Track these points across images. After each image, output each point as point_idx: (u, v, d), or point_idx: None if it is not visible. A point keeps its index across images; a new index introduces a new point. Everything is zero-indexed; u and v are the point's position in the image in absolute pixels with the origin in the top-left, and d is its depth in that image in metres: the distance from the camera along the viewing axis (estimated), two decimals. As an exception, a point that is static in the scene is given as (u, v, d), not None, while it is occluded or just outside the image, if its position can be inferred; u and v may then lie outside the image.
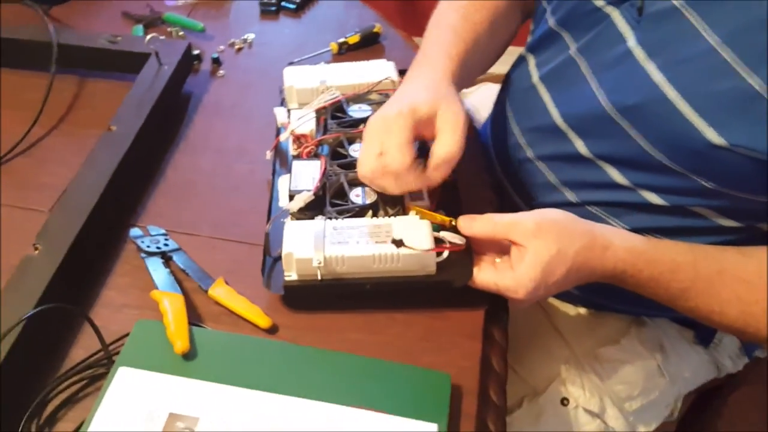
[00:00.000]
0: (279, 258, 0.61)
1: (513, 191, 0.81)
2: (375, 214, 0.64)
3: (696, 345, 0.82)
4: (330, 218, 0.62)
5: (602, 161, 0.68)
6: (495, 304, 0.65)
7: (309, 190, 0.63)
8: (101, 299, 0.62)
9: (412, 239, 0.59)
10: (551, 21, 0.73)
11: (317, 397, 0.53)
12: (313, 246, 0.59)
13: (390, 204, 0.64)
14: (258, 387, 0.53)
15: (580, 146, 0.69)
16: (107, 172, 0.66)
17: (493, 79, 1.05)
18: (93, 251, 0.64)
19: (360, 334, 0.60)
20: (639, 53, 0.60)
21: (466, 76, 0.71)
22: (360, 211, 0.64)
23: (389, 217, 0.62)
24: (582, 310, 0.82)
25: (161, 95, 0.76)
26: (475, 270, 0.60)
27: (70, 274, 0.59)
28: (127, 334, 0.56)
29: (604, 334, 0.80)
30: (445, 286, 0.60)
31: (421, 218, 0.62)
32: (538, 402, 0.77)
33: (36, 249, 0.59)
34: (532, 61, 0.77)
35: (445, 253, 0.60)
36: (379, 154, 0.59)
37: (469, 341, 0.61)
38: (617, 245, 0.61)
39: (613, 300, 0.79)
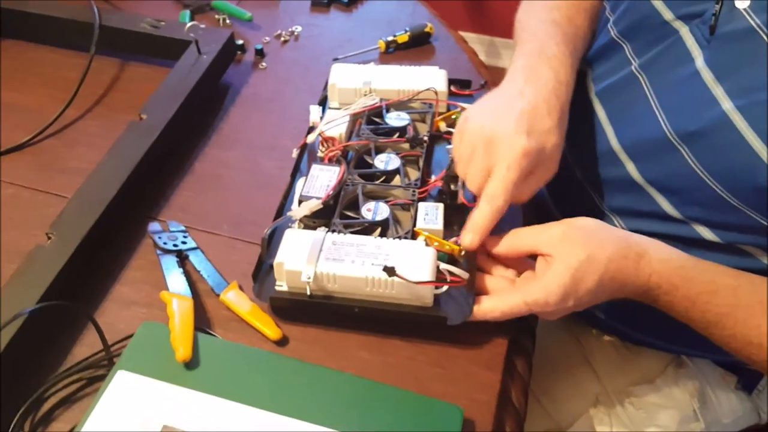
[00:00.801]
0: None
1: (556, 210, 0.77)
2: (384, 233, 0.60)
3: (738, 391, 0.76)
4: (334, 231, 0.59)
5: (653, 188, 0.63)
6: (520, 330, 0.61)
7: (318, 198, 0.60)
8: (111, 294, 0.60)
9: (410, 267, 0.55)
10: (613, 31, 0.68)
11: (318, 421, 0.50)
12: (306, 259, 0.56)
13: (401, 225, 0.61)
14: (258, 404, 0.51)
15: (632, 170, 0.64)
16: (130, 164, 0.65)
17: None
18: (108, 243, 0.62)
19: (370, 354, 0.57)
20: (707, 75, 0.55)
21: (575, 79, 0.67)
22: (368, 228, 0.61)
23: (397, 239, 0.59)
24: (617, 344, 0.77)
25: (196, 85, 0.74)
26: (499, 299, 0.56)
27: (81, 267, 0.58)
28: (131, 336, 0.54)
29: (639, 372, 0.75)
30: (439, 323, 0.56)
31: (428, 244, 0.58)
32: (562, 440, 0.73)
33: (49, 238, 0.58)
34: (590, 74, 0.72)
35: (445, 287, 0.56)
36: (486, 173, 0.57)
37: (487, 372, 0.57)
38: (652, 255, 0.56)
39: (650, 334, 0.74)
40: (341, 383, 0.53)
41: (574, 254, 0.54)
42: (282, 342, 0.57)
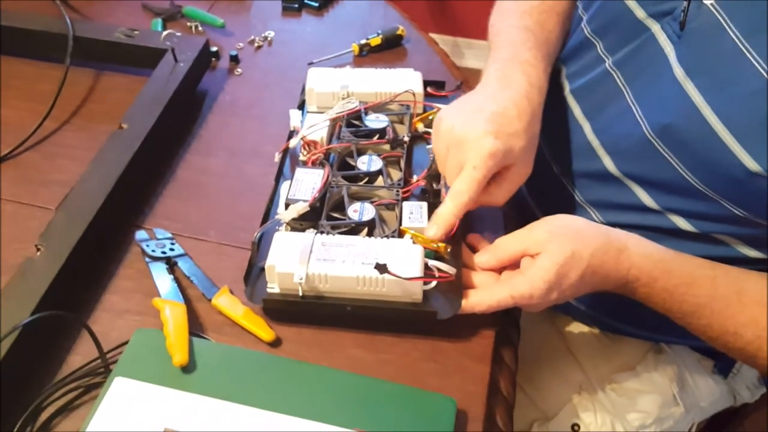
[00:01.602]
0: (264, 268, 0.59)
1: (536, 207, 0.79)
2: (371, 233, 0.62)
3: (715, 375, 0.79)
4: (322, 232, 0.60)
5: (631, 181, 0.65)
6: (505, 322, 0.63)
7: (305, 201, 0.61)
8: (103, 303, 0.60)
9: (399, 265, 0.56)
10: (586, 30, 0.70)
11: (316, 418, 0.51)
12: (297, 260, 0.57)
13: (387, 224, 0.62)
14: (256, 404, 0.51)
15: (609, 164, 0.66)
16: (115, 173, 0.65)
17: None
18: (97, 253, 0.63)
19: (363, 351, 0.58)
20: (678, 71, 0.57)
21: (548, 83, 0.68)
22: (355, 228, 0.62)
23: (384, 238, 0.60)
24: (598, 333, 0.79)
25: (175, 93, 0.75)
26: (486, 293, 0.57)
27: (72, 278, 0.58)
28: (126, 343, 0.55)
29: (620, 360, 0.77)
30: (430, 317, 0.58)
31: (415, 242, 0.59)
32: (548, 427, 0.75)
33: (38, 250, 0.58)
34: (563, 71, 0.74)
35: (434, 282, 0.58)
36: (459, 168, 0.58)
37: (477, 364, 0.59)
38: (632, 249, 0.58)
39: (630, 324, 0.77)
40: (337, 380, 0.54)
41: (560, 250, 0.56)
42: (276, 343, 0.58)
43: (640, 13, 0.62)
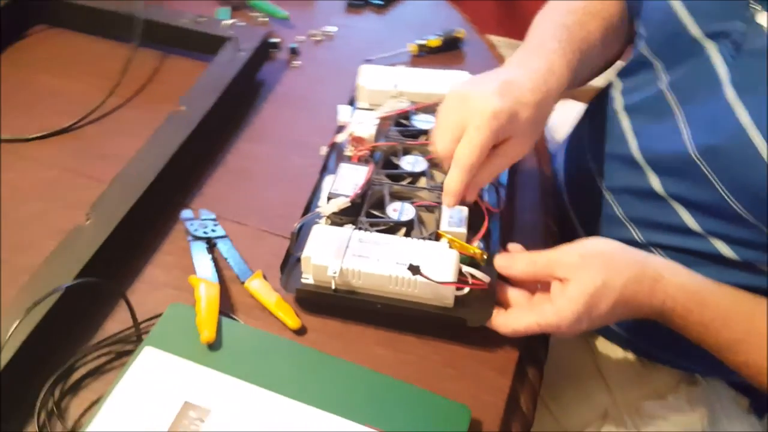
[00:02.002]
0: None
1: (577, 222, 0.78)
2: (408, 233, 0.62)
3: (750, 414, 0.76)
4: (360, 228, 0.61)
5: (676, 202, 0.64)
6: (534, 340, 0.63)
7: (347, 196, 0.62)
8: (143, 275, 0.63)
9: (433, 268, 0.56)
10: (644, 47, 0.69)
11: (329, 409, 0.52)
12: (333, 254, 0.58)
13: (425, 226, 0.63)
14: (274, 388, 0.53)
15: (655, 183, 0.65)
16: (168, 152, 0.68)
17: (580, 95, 1.01)
18: (143, 227, 0.65)
19: (385, 349, 0.59)
20: (730, 93, 0.56)
21: (573, 79, 0.67)
22: (393, 227, 0.62)
23: (421, 239, 0.61)
24: (631, 357, 0.78)
25: (233, 80, 0.77)
26: (513, 317, 0.57)
27: (117, 248, 0.61)
28: (160, 315, 0.57)
29: (650, 387, 0.76)
30: (459, 323, 0.58)
31: (451, 247, 0.59)
32: (567, 447, 0.74)
33: (87, 219, 0.61)
34: (618, 87, 0.73)
35: (466, 289, 0.58)
36: (455, 139, 0.56)
37: (498, 376, 0.58)
38: (668, 279, 0.57)
39: (666, 351, 0.75)
40: (355, 375, 0.55)
41: (590, 280, 0.55)
42: (301, 332, 0.59)
43: (695, 31, 0.61)
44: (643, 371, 0.77)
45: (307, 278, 0.60)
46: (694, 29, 0.61)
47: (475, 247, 0.60)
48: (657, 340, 0.74)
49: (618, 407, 0.75)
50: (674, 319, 0.58)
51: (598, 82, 0.82)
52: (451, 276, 0.57)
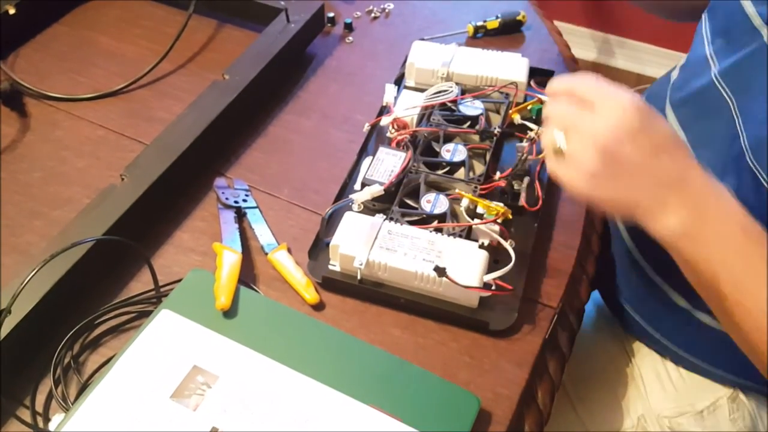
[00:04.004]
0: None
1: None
2: (440, 227, 0.61)
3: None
4: (391, 219, 0.60)
5: None
6: (560, 332, 0.61)
7: (381, 184, 0.61)
8: (173, 238, 0.64)
9: (459, 269, 0.55)
10: (708, 42, 0.64)
11: (338, 387, 0.52)
12: (361, 244, 0.57)
13: (458, 220, 0.62)
14: (284, 361, 0.53)
15: None
16: (207, 119, 0.68)
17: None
18: (176, 191, 0.66)
19: (402, 332, 0.58)
20: None
21: None
22: (425, 219, 0.61)
23: (453, 235, 0.59)
24: (671, 366, 0.74)
25: (280, 52, 0.77)
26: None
27: (148, 209, 0.62)
28: (181, 279, 0.58)
29: (688, 400, 0.72)
30: (481, 326, 0.57)
31: (470, 202, 0.60)
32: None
33: (122, 179, 0.62)
34: (673, 77, 0.69)
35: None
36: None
37: (514, 368, 0.56)
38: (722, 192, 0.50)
39: (712, 362, 0.70)
40: (367, 355, 0.54)
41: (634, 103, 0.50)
42: (319, 307, 0.59)
43: (756, 19, 0.56)
44: (683, 382, 0.73)
45: (334, 265, 0.60)
46: (756, 18, 0.57)
47: (499, 206, 0.60)
48: (700, 350, 0.70)
49: (651, 418, 0.71)
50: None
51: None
52: (476, 280, 0.56)
